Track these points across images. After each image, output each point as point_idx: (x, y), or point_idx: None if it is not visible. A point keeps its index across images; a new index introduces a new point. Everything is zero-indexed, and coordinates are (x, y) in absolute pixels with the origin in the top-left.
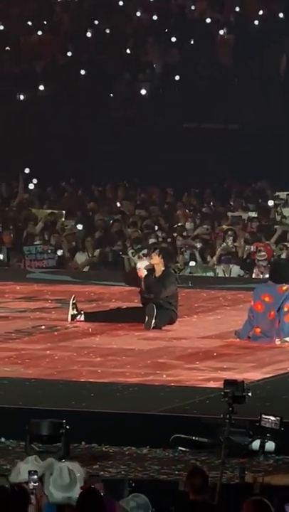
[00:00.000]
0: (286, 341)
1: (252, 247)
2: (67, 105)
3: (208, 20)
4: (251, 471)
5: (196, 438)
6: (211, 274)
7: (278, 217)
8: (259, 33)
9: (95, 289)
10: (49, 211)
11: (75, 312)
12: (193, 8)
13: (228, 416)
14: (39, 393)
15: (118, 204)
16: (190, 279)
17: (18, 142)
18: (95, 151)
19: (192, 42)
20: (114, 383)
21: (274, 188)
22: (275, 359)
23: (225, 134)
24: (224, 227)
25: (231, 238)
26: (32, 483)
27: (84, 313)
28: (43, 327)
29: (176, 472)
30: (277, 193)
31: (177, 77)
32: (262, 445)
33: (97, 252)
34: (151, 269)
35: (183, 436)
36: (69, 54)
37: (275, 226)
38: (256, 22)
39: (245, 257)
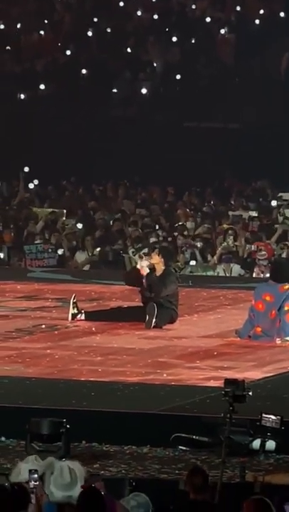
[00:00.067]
0: (287, 340)
1: (252, 246)
2: (68, 104)
3: (209, 20)
4: (252, 470)
5: (197, 437)
6: (211, 273)
7: (280, 218)
8: (260, 32)
9: (95, 288)
10: (50, 210)
11: (75, 311)
12: (194, 7)
13: (228, 415)
14: (39, 392)
15: (119, 203)
16: (190, 278)
17: (18, 141)
18: (96, 150)
19: (193, 41)
20: (114, 382)
21: (275, 188)
22: (275, 358)
23: (225, 133)
24: (225, 226)
25: (232, 237)
26: (32, 482)
27: (84, 312)
28: (43, 326)
29: (177, 471)
30: (280, 194)
31: (178, 76)
32: (262, 444)
33: (97, 251)
34: (152, 269)
35: (183, 435)
36: (70, 53)
37: (276, 225)
38: (257, 21)
39: (245, 256)
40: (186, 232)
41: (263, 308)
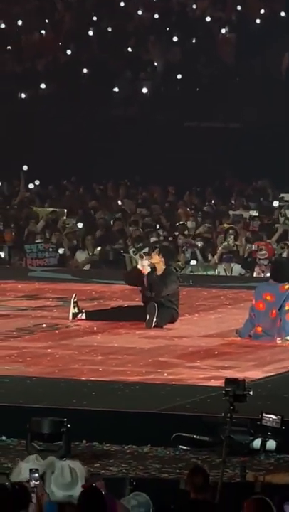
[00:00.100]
0: (287, 340)
1: (253, 245)
2: (69, 104)
3: (210, 19)
4: (252, 469)
5: (197, 437)
6: (212, 272)
7: (282, 219)
8: (261, 32)
9: (96, 288)
10: (50, 209)
11: (76, 310)
12: (194, 6)
13: (229, 415)
14: (40, 391)
15: (119, 202)
16: (191, 277)
17: (19, 141)
18: (96, 150)
19: (193, 41)
20: (115, 382)
21: (275, 187)
22: (276, 358)
23: (226, 133)
24: (225, 225)
25: (232, 237)
26: (33, 482)
27: (85, 311)
28: (44, 325)
29: (177, 471)
30: (282, 195)
31: (179, 76)
32: (263, 444)
33: (97, 251)
34: (153, 268)
35: (184, 434)
36: (70, 53)
37: (276, 225)
38: (258, 21)
39: (246, 255)
40: (186, 232)
41: (263, 307)
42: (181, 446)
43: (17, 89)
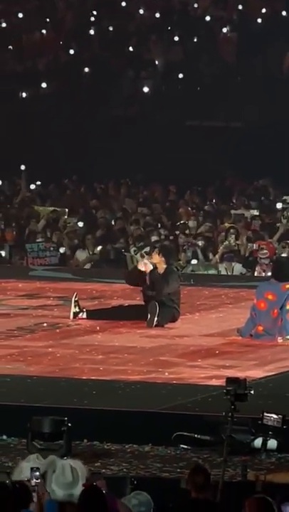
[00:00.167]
0: (288, 339)
1: (254, 245)
2: (69, 103)
3: (211, 18)
4: (253, 469)
5: (198, 436)
6: (213, 271)
7: (284, 221)
8: (262, 31)
9: (97, 287)
10: (51, 209)
11: (77, 310)
12: (196, 5)
13: (230, 414)
14: (41, 391)
15: (120, 202)
16: (192, 276)
17: (20, 140)
18: (97, 150)
19: (195, 40)
20: (116, 381)
21: (277, 186)
22: (277, 357)
23: (227, 132)
24: (226, 225)
25: (234, 236)
26: (34, 480)
27: (86, 310)
28: (45, 324)
29: (178, 470)
30: (284, 198)
31: (180, 75)
32: (264, 443)
33: (97, 250)
34: (154, 267)
35: (185, 433)
36: (71, 52)
37: (278, 224)
38: (259, 20)
39: (247, 254)
40: (187, 231)
41: (265, 307)
42: (182, 446)
43: (18, 89)
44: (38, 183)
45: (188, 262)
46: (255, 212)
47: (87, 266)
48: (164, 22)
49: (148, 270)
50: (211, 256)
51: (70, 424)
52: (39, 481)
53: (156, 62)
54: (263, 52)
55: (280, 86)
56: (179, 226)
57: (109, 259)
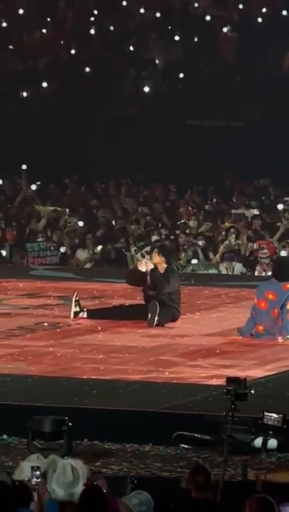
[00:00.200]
0: None
1: (255, 244)
2: (70, 103)
3: (212, 18)
4: (253, 468)
5: (199, 435)
6: (213, 271)
7: (285, 222)
8: (262, 31)
9: (97, 286)
10: (52, 208)
11: (77, 309)
12: (196, 5)
13: (230, 413)
14: (41, 390)
15: (121, 201)
16: (193, 276)
17: (20, 140)
18: (96, 150)
19: (195, 39)
20: (116, 380)
21: (277, 186)
22: (277, 356)
23: (228, 132)
24: (227, 224)
25: (234, 236)
26: (35, 479)
27: (87, 310)
28: (45, 324)
29: (179, 469)
30: (286, 199)
31: (180, 75)
32: (264, 442)
33: (98, 249)
34: (155, 267)
35: (185, 433)
36: (72, 51)
37: (278, 224)
38: (259, 19)
39: (247, 254)
40: (188, 231)
41: (265, 306)
42: (182, 445)
43: (19, 88)
44: (39, 183)
45: (189, 261)
46: (256, 212)
47: (88, 265)
48: (164, 21)
49: (148, 270)
50: (211, 255)
51: (70, 424)
52: (40, 480)
53: (157, 62)
54: (263, 52)
55: (280, 85)
56: (180, 226)
57: (109, 259)
